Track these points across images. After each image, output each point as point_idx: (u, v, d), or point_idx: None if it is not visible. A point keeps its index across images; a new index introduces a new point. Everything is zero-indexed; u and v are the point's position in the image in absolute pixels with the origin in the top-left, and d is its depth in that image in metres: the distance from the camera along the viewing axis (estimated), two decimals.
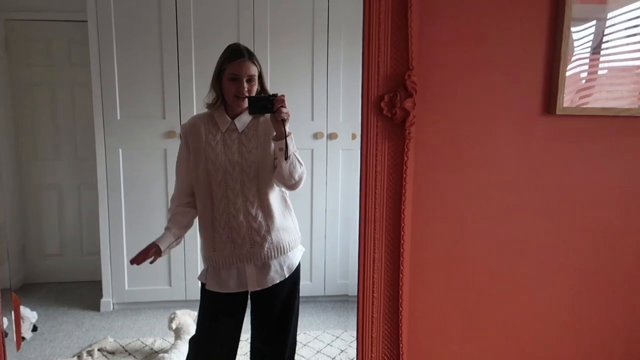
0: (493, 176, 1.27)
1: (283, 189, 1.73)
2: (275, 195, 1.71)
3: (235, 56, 1.65)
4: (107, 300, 3.20)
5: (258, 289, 1.71)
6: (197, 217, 1.76)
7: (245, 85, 1.64)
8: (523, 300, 1.32)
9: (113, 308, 3.22)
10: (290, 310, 1.77)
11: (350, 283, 3.25)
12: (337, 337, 2.81)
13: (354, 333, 2.87)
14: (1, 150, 3.44)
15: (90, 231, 3.67)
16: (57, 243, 3.75)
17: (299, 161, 1.61)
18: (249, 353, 1.85)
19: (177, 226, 1.71)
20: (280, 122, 1.54)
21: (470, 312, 1.30)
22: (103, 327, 2.97)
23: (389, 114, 1.11)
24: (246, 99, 1.63)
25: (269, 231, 1.68)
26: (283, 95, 1.55)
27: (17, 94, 3.55)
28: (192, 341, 1.78)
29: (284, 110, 1.53)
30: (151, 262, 1.64)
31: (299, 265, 1.79)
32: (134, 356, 2.59)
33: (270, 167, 1.67)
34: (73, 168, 3.67)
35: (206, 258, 1.74)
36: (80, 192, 3.70)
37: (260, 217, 1.67)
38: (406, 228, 1.19)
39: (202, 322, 1.76)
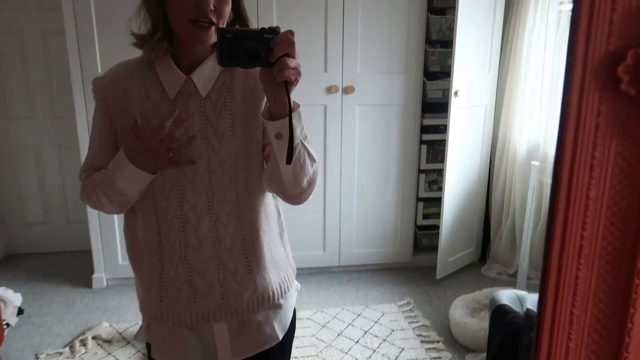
0: None
1: (278, 197, 1.11)
2: (265, 209, 1.09)
3: None
4: (100, 275, 2.90)
5: None
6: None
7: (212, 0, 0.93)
8: None
9: (107, 284, 2.92)
10: None
11: (379, 251, 2.98)
12: (359, 315, 2.56)
13: (377, 308, 2.67)
14: None
15: (75, 196, 3.31)
16: (40, 210, 3.40)
17: (309, 156, 0.97)
18: None
19: None
20: (281, 85, 0.86)
21: None
22: (96, 308, 2.68)
23: (632, 90, 0.52)
24: (214, 33, 0.95)
25: (251, 272, 1.08)
26: (290, 33, 0.86)
27: None
28: None
29: (290, 63, 0.85)
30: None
31: (294, 315, 1.20)
32: (134, 345, 2.31)
33: (258, 161, 1.04)
34: (51, 127, 3.26)
35: (147, 311, 1.10)
36: (61, 154, 3.32)
37: (238, 249, 1.06)
38: None
39: None
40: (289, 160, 0.89)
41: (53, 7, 2.90)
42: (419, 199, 3.02)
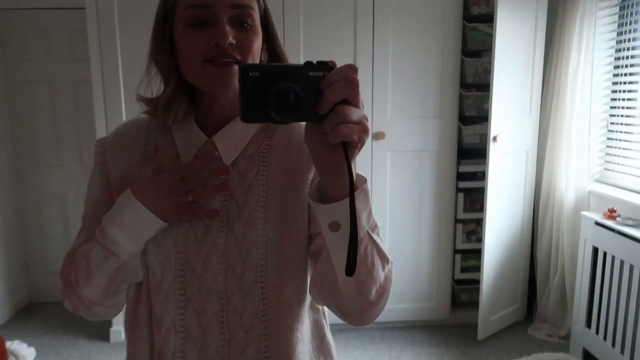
0: None
1: (331, 311, 0.77)
2: (302, 327, 0.80)
3: None
4: (118, 329, 2.77)
5: None
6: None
7: (229, 30, 0.70)
8: None
9: (124, 338, 2.78)
10: None
11: (413, 307, 2.75)
12: None
13: None
14: None
15: None
16: (63, 258, 3.33)
17: (379, 254, 0.66)
18: None
19: None
20: (337, 149, 0.57)
21: None
22: None
23: None
24: (235, 75, 0.70)
25: None
26: (351, 68, 0.56)
27: (12, 93, 3.13)
28: None
29: (351, 114, 0.54)
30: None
31: None
32: None
33: (299, 258, 0.78)
34: (77, 176, 3.23)
35: None
36: None
37: None
38: None
39: None
40: (349, 269, 0.58)
41: (84, 57, 2.93)
42: (456, 251, 2.80)
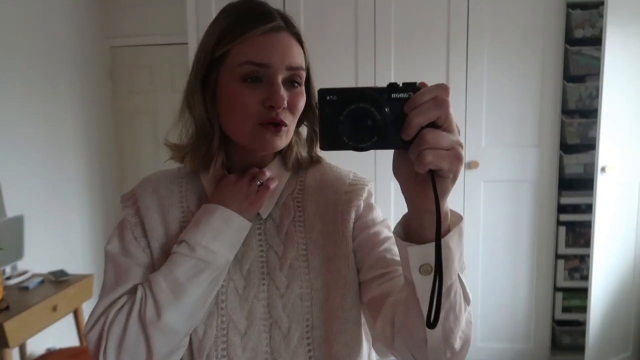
0: None
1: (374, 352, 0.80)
2: None
3: (255, 20, 0.68)
4: None
5: None
6: None
7: (285, 93, 0.68)
8: None
9: None
10: None
11: (508, 347, 2.58)
12: None
13: None
14: (106, 178, 3.29)
15: None
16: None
17: (465, 298, 0.61)
18: None
19: None
20: (426, 180, 0.53)
21: None
22: None
23: None
24: (285, 135, 0.72)
25: None
26: (442, 88, 0.51)
27: (119, 123, 3.41)
28: None
29: (439, 139, 0.50)
30: None
31: None
32: None
33: (348, 309, 0.73)
34: None
35: None
36: None
37: None
38: None
39: None
40: (432, 321, 0.53)
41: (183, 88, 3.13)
42: (557, 289, 2.59)
